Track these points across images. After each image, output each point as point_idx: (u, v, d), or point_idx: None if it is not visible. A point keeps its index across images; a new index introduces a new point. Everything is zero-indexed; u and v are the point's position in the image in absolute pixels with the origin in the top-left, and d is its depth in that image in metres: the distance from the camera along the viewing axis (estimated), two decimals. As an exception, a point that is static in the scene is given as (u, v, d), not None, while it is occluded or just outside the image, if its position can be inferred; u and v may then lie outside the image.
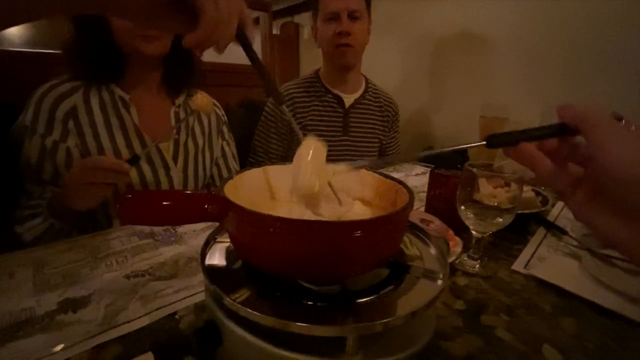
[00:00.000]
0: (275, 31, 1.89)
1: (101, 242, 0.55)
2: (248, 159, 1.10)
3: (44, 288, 0.42)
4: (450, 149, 0.31)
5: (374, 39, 1.04)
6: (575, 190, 0.26)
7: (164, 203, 0.32)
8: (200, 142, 0.87)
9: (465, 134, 1.20)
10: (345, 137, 1.08)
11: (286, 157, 1.10)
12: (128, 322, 0.37)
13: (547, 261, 0.53)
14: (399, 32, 1.39)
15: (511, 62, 1.12)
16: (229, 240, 0.37)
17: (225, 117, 0.97)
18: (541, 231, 0.64)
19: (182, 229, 0.61)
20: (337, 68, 1.03)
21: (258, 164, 1.06)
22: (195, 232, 0.60)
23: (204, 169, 0.88)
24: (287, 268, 0.28)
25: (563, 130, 0.25)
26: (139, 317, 0.38)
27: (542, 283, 0.47)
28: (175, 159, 0.80)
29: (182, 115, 0.84)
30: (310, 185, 0.32)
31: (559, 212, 0.72)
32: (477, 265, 0.50)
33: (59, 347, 0.33)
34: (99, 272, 0.46)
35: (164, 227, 0.61)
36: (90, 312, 0.38)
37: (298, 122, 1.04)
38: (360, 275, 0.30)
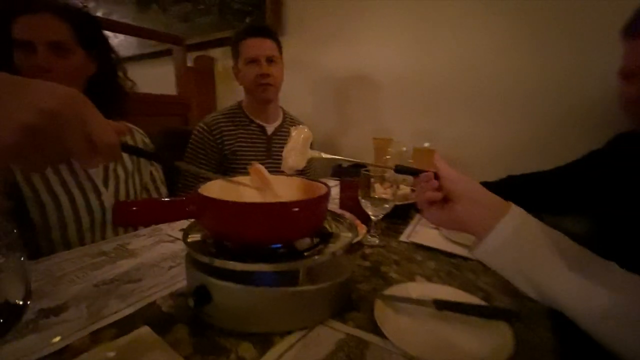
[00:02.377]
0: (190, 63, 1.97)
1: (51, 265, 0.57)
2: (177, 184, 1.16)
3: (15, 303, 0.45)
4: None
5: (288, 77, 1.25)
6: (431, 207, 0.48)
7: (153, 207, 0.42)
8: (129, 167, 0.92)
9: (364, 152, 1.50)
10: (270, 160, 1.24)
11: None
12: (114, 313, 0.44)
13: (420, 232, 0.78)
14: (308, 72, 1.66)
15: (393, 96, 1.47)
16: (198, 236, 0.48)
17: (152, 145, 1.03)
18: (417, 215, 0.90)
19: (132, 245, 0.67)
20: (259, 102, 1.20)
21: (188, 187, 1.13)
22: (146, 247, 0.67)
23: (135, 193, 0.93)
24: (254, 237, 0.42)
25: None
26: (123, 309, 0.45)
27: (417, 245, 0.71)
28: (105, 184, 0.84)
29: None
30: (296, 165, 0.51)
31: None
32: (377, 240, 0.71)
33: (57, 339, 0.39)
34: (64, 286, 0.51)
35: (115, 246, 0.66)
36: (73, 313, 0.44)
37: (227, 148, 1.16)
38: (302, 240, 0.46)
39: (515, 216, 0.42)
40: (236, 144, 1.18)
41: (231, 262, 0.38)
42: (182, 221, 0.80)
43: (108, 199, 0.83)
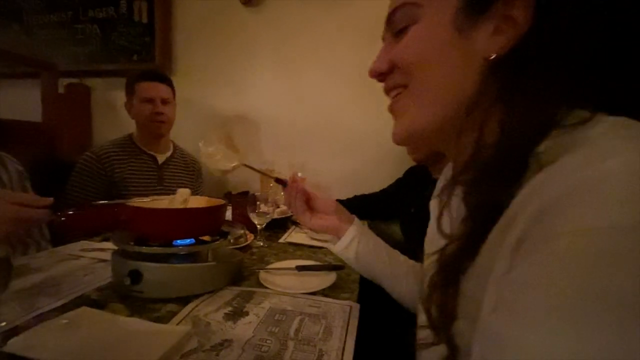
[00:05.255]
0: (60, 90, 1.85)
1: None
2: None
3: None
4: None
5: (180, 114, 1.42)
6: (305, 214, 0.74)
7: (94, 215, 0.57)
8: None
9: (251, 182, 1.75)
10: (161, 187, 1.35)
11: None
12: (47, 305, 0.55)
13: (294, 235, 1.07)
14: (196, 110, 1.83)
15: (272, 134, 1.80)
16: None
17: (27, 173, 1.03)
18: (292, 225, 1.20)
19: (34, 265, 0.72)
20: (152, 136, 1.32)
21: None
22: (49, 265, 0.73)
23: None
24: (170, 233, 0.62)
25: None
26: (54, 302, 0.56)
27: (290, 243, 0.99)
28: None
29: None
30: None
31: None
32: (261, 243, 0.97)
33: (3, 324, 0.48)
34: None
35: (15, 266, 0.70)
36: (6, 310, 0.52)
37: (116, 176, 1.23)
38: (207, 235, 0.68)
39: (357, 224, 0.70)
40: (126, 172, 1.26)
41: (161, 248, 0.57)
42: (81, 243, 0.88)
43: None
